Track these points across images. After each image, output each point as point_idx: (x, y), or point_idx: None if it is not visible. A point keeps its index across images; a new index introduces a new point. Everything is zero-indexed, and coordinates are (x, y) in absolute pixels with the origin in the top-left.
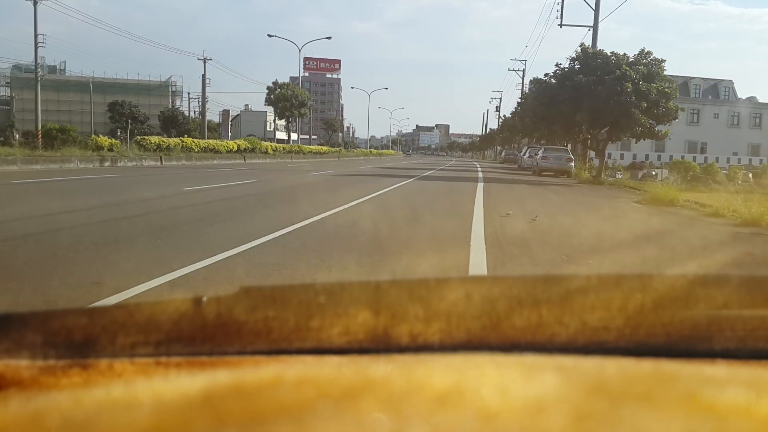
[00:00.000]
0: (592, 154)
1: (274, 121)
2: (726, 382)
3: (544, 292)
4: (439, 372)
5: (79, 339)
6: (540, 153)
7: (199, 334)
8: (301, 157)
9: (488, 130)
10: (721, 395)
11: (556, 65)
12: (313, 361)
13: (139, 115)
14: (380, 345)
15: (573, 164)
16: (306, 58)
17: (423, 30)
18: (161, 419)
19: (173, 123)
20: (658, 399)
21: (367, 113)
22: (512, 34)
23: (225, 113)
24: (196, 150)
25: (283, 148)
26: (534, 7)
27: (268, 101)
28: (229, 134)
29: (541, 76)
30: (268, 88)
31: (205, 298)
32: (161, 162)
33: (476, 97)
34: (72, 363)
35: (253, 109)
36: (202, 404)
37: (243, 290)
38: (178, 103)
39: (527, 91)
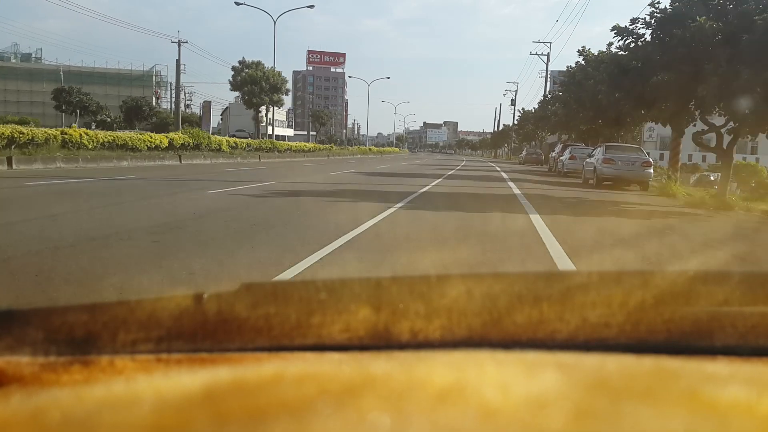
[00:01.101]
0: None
1: (266, 114)
2: (727, 380)
3: (544, 289)
4: (440, 369)
5: (80, 335)
6: (600, 153)
7: (200, 330)
8: (275, 156)
9: (501, 126)
10: (722, 392)
11: (651, 4)
12: (314, 358)
13: (90, 104)
14: (381, 342)
15: (652, 171)
16: (309, 51)
17: (431, 27)
18: (162, 416)
19: (137, 114)
20: (659, 396)
21: (371, 108)
22: (521, 32)
23: (206, 105)
24: (90, 146)
25: (248, 145)
26: (542, 5)
27: (233, 85)
28: (210, 127)
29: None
30: (234, 68)
31: (206, 295)
32: (10, 166)
33: (485, 95)
34: (73, 360)
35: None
36: (203, 401)
37: (244, 287)
38: (162, 93)
39: (581, 62)
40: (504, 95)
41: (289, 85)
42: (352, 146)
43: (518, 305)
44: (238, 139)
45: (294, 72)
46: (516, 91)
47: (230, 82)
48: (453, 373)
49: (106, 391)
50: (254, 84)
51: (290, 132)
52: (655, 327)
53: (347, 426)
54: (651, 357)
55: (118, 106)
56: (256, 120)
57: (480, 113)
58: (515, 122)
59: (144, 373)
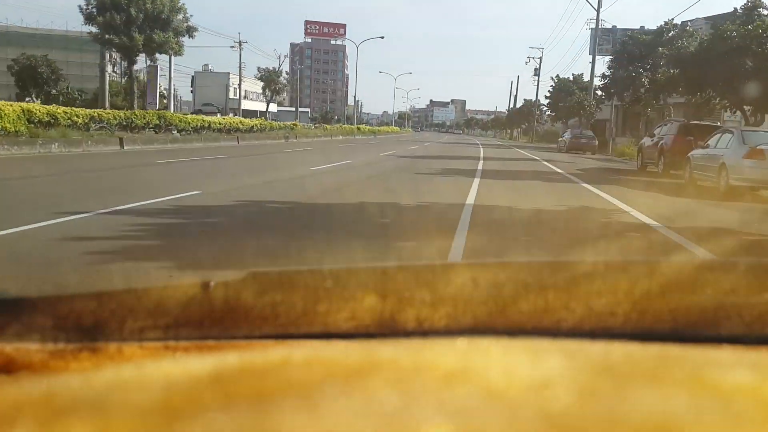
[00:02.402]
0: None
1: (239, 85)
2: (732, 365)
3: (550, 278)
4: (446, 354)
5: (88, 323)
6: None
7: (207, 318)
8: (167, 141)
9: (516, 101)
10: (726, 377)
11: None
12: (321, 345)
13: None
14: (387, 330)
15: None
16: (307, 22)
17: (440, 4)
18: (171, 397)
19: (33, 80)
20: (663, 379)
21: (376, 85)
22: (531, 10)
23: (151, 70)
24: None
25: (95, 118)
26: None
27: (86, 15)
28: (156, 99)
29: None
30: None
31: (212, 283)
32: None
33: (494, 73)
34: (81, 347)
35: (215, 70)
36: (211, 383)
37: (250, 275)
38: (119, 60)
39: None
40: (526, 63)
41: (286, 58)
42: (331, 125)
43: (524, 294)
44: (64, 109)
45: (291, 44)
46: (541, 58)
47: (82, 10)
48: (458, 358)
49: (115, 375)
50: (119, 10)
51: (273, 107)
52: (661, 316)
53: (354, 407)
54: (656, 344)
55: (6, 68)
56: (131, 78)
57: (490, 91)
58: (546, 94)
59: (152, 359)
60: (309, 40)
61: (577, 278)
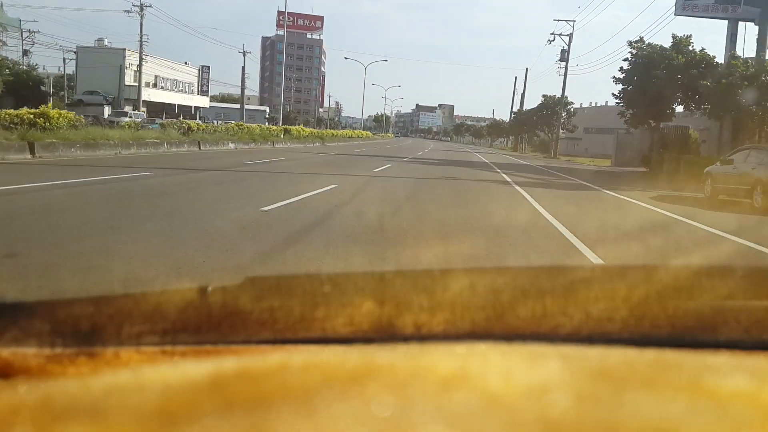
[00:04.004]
0: None
1: (139, 66)
2: (729, 371)
3: (548, 283)
4: (444, 359)
5: (86, 328)
6: None
7: (205, 323)
8: None
9: (522, 102)
10: (724, 382)
11: None
12: (318, 350)
13: None
14: (385, 335)
15: None
16: (280, 12)
17: (428, 11)
18: (168, 402)
19: None
20: (660, 385)
21: (359, 88)
22: (521, 20)
23: None
24: None
25: None
26: None
27: None
28: None
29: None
30: None
31: (210, 288)
32: None
33: (484, 78)
34: (78, 351)
35: (111, 45)
36: (209, 388)
37: (248, 280)
38: (6, 37)
39: None
40: (549, 43)
41: (257, 55)
42: (277, 126)
43: (522, 299)
44: None
45: (263, 38)
46: (570, 35)
47: None
48: (457, 363)
49: (113, 380)
50: None
51: (203, 101)
52: (658, 321)
53: (352, 412)
54: (654, 350)
55: None
56: None
57: (478, 99)
58: (617, 75)
59: (149, 364)
60: (282, 32)
61: (575, 284)
